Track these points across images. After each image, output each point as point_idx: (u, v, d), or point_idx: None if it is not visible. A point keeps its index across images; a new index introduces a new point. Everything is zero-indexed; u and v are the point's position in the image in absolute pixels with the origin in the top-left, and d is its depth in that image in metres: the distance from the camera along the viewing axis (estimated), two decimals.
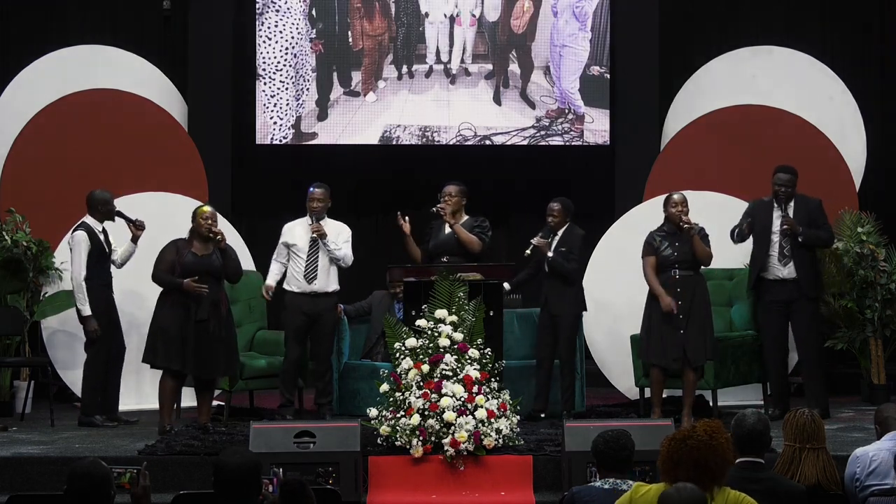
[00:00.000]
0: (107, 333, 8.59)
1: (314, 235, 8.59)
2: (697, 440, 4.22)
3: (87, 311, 8.52)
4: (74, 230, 8.64)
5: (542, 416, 8.43)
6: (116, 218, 8.69)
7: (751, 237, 8.80)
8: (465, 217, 8.78)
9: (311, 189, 8.75)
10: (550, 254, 8.49)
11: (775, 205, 8.72)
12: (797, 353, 8.93)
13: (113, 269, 8.71)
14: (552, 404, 8.57)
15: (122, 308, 9.01)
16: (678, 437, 4.27)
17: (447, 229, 8.72)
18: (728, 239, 8.87)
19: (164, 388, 8.18)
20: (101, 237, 8.63)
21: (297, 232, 8.73)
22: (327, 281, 8.63)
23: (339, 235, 8.70)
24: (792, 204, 8.71)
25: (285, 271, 8.74)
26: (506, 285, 8.53)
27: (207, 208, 8.32)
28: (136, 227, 8.56)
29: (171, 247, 8.18)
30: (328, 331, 8.66)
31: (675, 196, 8.39)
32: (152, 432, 8.13)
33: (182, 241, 8.20)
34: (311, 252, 8.59)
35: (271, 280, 8.77)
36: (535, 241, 8.48)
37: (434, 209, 8.70)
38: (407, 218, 8.81)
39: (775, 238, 8.70)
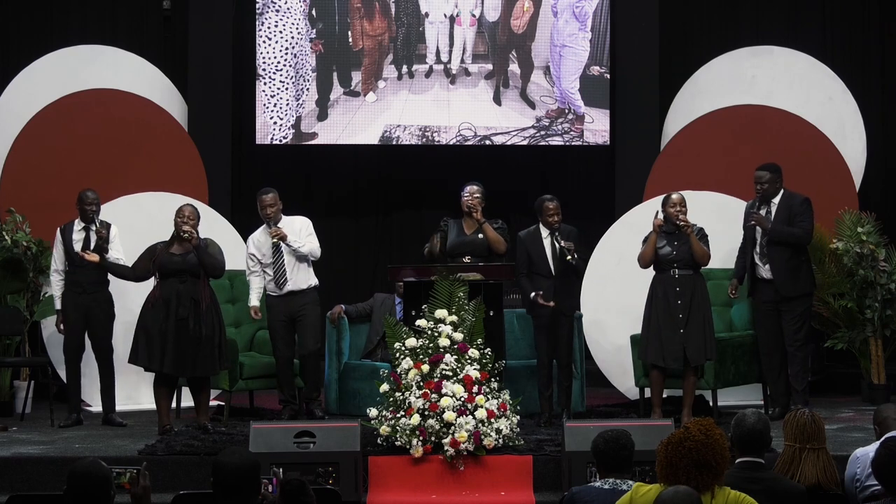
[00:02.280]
0: (75, 335, 8.61)
1: (274, 241, 8.56)
2: (695, 441, 4.21)
3: (56, 304, 8.67)
4: None
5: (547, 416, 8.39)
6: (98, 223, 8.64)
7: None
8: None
9: (261, 195, 8.68)
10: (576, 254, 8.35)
11: (756, 202, 8.76)
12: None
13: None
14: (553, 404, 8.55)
15: (117, 309, 9.08)
16: (674, 441, 4.25)
17: (466, 229, 8.62)
18: (728, 239, 8.90)
19: (157, 389, 8.21)
20: (77, 237, 8.62)
21: (259, 241, 8.68)
22: (299, 279, 8.59)
23: (302, 231, 8.64)
24: (777, 200, 8.72)
25: (264, 282, 8.71)
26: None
27: (187, 207, 8.35)
28: (97, 233, 8.54)
29: (152, 248, 8.28)
30: (309, 327, 8.60)
31: (674, 196, 8.39)
32: (152, 432, 8.14)
33: (163, 243, 8.27)
34: (276, 258, 8.57)
35: (255, 300, 8.67)
36: (568, 245, 8.27)
37: (467, 208, 8.51)
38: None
39: (758, 237, 8.72)
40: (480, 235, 8.52)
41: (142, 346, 8.15)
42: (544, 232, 8.39)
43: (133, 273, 8.41)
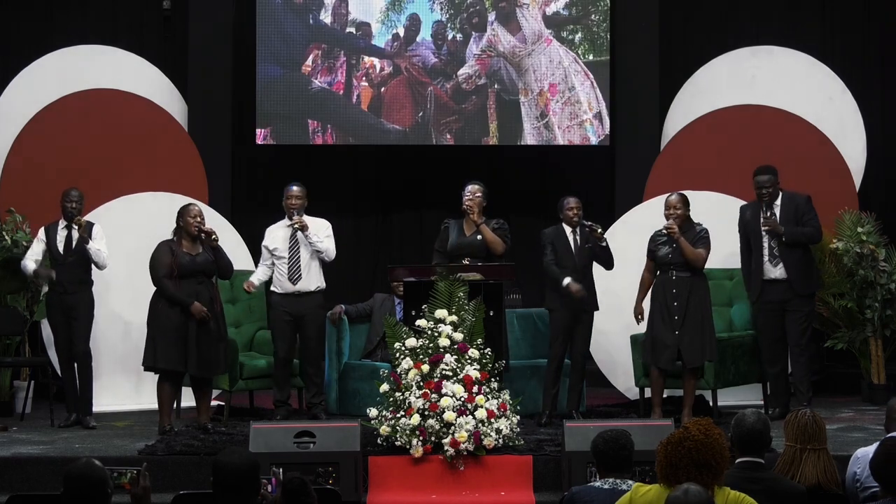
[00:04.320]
0: (63, 336, 8.61)
1: (295, 227, 8.55)
2: (694, 440, 4.20)
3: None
4: None
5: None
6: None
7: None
8: (483, 218, 8.60)
9: (290, 187, 8.70)
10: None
11: (762, 207, 8.76)
12: (789, 349, 8.87)
13: (97, 272, 8.70)
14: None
15: (117, 309, 9.09)
16: (674, 441, 4.25)
17: (466, 230, 8.61)
18: (728, 239, 8.89)
19: (162, 388, 8.18)
20: (61, 236, 8.61)
21: (276, 234, 8.69)
22: (310, 279, 8.61)
23: (320, 231, 8.67)
24: (779, 202, 8.73)
25: (271, 275, 8.72)
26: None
27: (195, 206, 8.35)
28: (75, 222, 8.55)
29: (165, 248, 8.18)
30: (314, 331, 8.65)
31: (670, 198, 8.42)
32: (152, 432, 8.14)
33: (172, 242, 8.22)
34: (292, 252, 8.59)
35: (255, 278, 8.71)
36: (595, 226, 8.39)
37: (465, 208, 8.49)
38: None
39: (765, 240, 8.72)
40: (479, 237, 8.50)
41: (161, 347, 8.08)
42: (567, 229, 8.43)
43: (161, 276, 8.09)
